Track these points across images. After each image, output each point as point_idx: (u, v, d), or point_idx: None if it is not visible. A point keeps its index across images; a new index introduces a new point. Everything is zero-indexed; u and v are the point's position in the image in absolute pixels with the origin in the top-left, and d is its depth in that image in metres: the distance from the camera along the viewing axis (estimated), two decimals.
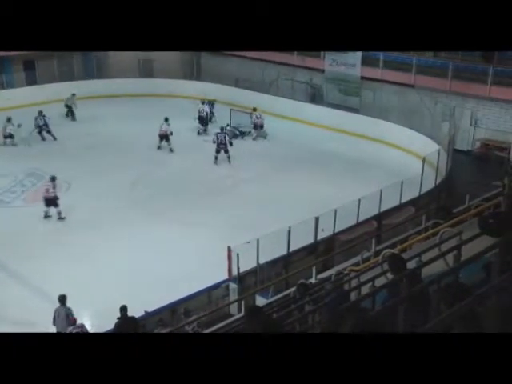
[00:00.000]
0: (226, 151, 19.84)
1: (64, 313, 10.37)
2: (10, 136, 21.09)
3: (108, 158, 20.04)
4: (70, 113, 24.42)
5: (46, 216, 15.59)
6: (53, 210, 15.62)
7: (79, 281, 12.37)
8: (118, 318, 9.91)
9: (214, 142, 19.87)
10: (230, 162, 19.80)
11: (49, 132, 21.86)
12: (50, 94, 25.82)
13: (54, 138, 21.77)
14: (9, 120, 21.14)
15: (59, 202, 15.56)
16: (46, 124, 21.90)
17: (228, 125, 21.91)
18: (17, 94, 25.43)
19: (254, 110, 23.11)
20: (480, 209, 10.15)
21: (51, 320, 10.39)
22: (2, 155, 20.03)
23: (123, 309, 10.01)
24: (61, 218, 15.57)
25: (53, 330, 10.40)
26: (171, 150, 20.79)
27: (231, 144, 20.21)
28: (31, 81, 26.79)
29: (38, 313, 11.40)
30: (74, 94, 24.41)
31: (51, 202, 15.48)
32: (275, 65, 25.93)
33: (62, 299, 10.48)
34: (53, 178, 15.68)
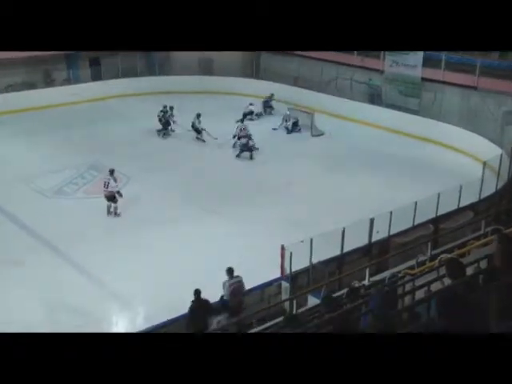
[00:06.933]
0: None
1: None
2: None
3: (166, 154, 20.35)
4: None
5: (109, 212, 15.60)
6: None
7: (135, 272, 12.62)
8: (192, 301, 10.12)
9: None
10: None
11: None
12: (113, 90, 26.52)
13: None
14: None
15: (120, 197, 15.56)
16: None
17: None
18: (83, 89, 26.15)
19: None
20: None
21: None
22: (65, 148, 20.62)
23: (197, 292, 10.19)
24: (116, 214, 15.54)
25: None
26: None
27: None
28: (96, 77, 27.48)
29: (95, 302, 11.70)
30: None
31: (110, 198, 15.47)
32: (334, 64, 25.63)
33: None
34: (111, 172, 15.52)
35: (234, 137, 20.90)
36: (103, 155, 19.85)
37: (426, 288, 7.45)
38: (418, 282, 8.39)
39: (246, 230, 14.68)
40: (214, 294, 10.85)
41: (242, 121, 22.08)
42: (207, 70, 28.76)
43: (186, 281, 11.39)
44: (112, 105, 25.77)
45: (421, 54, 22.46)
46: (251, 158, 20.21)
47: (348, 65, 25.18)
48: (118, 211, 15.60)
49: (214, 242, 13.99)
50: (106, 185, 15.39)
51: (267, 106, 25.37)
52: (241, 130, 20.91)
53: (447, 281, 5.94)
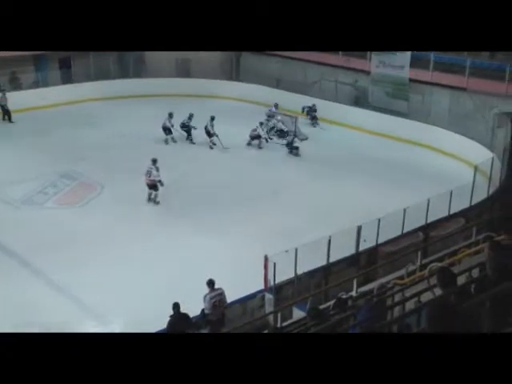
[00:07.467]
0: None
1: None
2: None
3: (141, 161, 20.18)
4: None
5: (150, 199, 17.09)
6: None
7: (110, 286, 12.53)
8: (171, 316, 10.12)
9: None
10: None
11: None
12: (85, 93, 26.36)
13: None
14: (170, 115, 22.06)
15: (161, 186, 16.99)
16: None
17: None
18: (52, 93, 25.95)
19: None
20: None
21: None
22: (35, 155, 20.47)
23: (176, 306, 10.19)
24: (156, 202, 17.01)
25: None
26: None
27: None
28: (67, 79, 27.29)
29: (69, 318, 11.58)
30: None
31: (152, 186, 16.95)
32: (318, 65, 25.80)
33: None
34: (154, 161, 16.93)
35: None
36: (75, 162, 19.76)
37: (416, 298, 7.52)
38: (408, 293, 8.46)
39: (227, 240, 14.68)
40: (194, 307, 10.83)
41: (260, 123, 22.51)
42: (184, 71, 28.76)
43: (165, 294, 11.36)
44: (84, 109, 25.59)
45: (408, 53, 22.69)
46: (297, 155, 21.39)
47: (332, 65, 25.36)
48: (158, 199, 17.02)
49: (194, 253, 13.96)
50: (149, 174, 16.88)
51: (313, 115, 24.71)
52: (252, 130, 22.17)
53: (438, 291, 6.01)
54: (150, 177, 16.85)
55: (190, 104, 25.35)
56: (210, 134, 21.96)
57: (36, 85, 26.60)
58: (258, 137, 22.16)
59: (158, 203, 16.99)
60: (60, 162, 19.85)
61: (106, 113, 25.26)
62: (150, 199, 17.08)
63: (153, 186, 16.93)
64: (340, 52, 24.35)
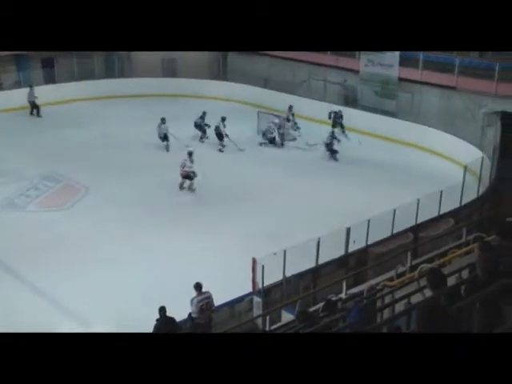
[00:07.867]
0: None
1: None
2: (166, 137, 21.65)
3: (127, 162, 20.15)
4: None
5: (182, 187, 18.31)
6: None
7: (94, 290, 12.45)
8: (157, 320, 10.06)
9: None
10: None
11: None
12: (69, 93, 26.19)
13: None
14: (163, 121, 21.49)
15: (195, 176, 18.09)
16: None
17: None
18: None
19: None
20: None
21: None
22: (16, 157, 20.29)
23: (162, 309, 10.14)
24: (191, 189, 18.25)
25: None
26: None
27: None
28: (50, 79, 27.10)
29: (51, 323, 11.47)
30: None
31: (185, 176, 18.20)
32: (306, 64, 25.80)
33: None
34: (190, 154, 18.16)
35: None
36: (59, 164, 19.61)
37: (406, 300, 7.51)
38: (398, 294, 8.46)
39: (215, 242, 14.62)
40: (180, 311, 10.77)
41: (278, 128, 22.67)
42: (170, 70, 28.66)
43: (150, 298, 11.29)
44: (67, 110, 25.43)
45: (397, 52, 22.74)
46: (335, 159, 21.15)
47: (321, 65, 25.36)
48: (194, 187, 18.25)
49: (181, 256, 13.89)
50: (183, 165, 18.21)
51: (339, 121, 23.57)
52: (269, 132, 22.62)
53: (428, 292, 6.00)
54: (184, 168, 18.12)
55: (177, 104, 25.39)
56: (221, 136, 21.72)
57: (18, 85, 26.36)
58: (274, 139, 22.37)
59: (193, 190, 18.21)
60: (43, 163, 19.69)
61: (92, 113, 25.11)
62: (182, 188, 18.31)
63: (186, 176, 18.22)
64: (328, 51, 24.33)
